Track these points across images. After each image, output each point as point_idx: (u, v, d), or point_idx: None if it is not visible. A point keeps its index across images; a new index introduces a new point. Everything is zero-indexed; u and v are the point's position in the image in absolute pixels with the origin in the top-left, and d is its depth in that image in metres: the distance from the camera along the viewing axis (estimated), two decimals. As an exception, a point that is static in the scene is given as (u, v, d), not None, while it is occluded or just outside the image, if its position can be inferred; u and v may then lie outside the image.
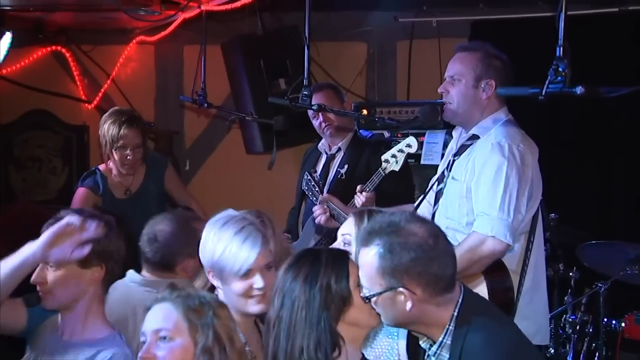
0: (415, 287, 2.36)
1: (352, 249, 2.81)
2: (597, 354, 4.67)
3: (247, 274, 2.75)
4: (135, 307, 3.30)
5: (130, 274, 3.51)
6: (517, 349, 2.42)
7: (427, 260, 2.37)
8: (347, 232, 2.92)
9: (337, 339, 2.44)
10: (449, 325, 2.40)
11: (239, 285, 2.76)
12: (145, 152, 4.90)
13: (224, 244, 2.76)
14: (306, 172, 4.66)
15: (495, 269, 3.31)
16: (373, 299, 2.42)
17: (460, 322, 2.39)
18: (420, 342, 2.54)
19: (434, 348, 2.45)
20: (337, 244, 2.89)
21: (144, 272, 3.55)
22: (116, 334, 2.87)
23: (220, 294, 2.81)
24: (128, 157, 4.78)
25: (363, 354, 2.61)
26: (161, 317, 2.43)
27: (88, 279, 2.81)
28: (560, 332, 4.86)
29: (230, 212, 2.91)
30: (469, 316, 2.39)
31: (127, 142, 4.77)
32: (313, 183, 4.49)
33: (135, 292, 3.41)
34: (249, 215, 2.91)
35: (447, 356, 2.42)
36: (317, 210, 4.21)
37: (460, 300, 2.42)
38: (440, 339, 2.42)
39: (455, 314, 2.41)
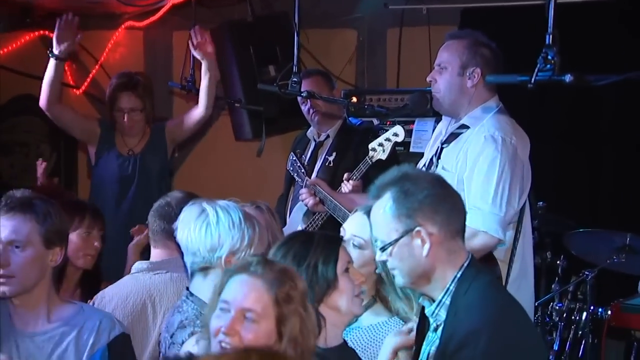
0: (431, 226, 2.43)
1: (365, 254, 2.82)
2: (583, 342, 4.69)
3: None
4: (150, 292, 3.35)
5: (135, 265, 3.52)
6: (510, 309, 2.46)
7: (439, 197, 2.46)
8: (359, 235, 2.89)
9: (318, 318, 2.44)
10: (450, 285, 2.44)
11: None
12: (147, 117, 5.00)
13: (251, 227, 2.84)
14: (292, 153, 4.65)
15: (484, 259, 3.31)
16: (389, 250, 2.45)
17: (461, 284, 2.44)
18: (420, 300, 2.58)
19: (432, 307, 2.49)
20: (347, 246, 2.81)
21: (152, 254, 3.53)
22: (81, 304, 2.86)
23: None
24: (125, 120, 4.92)
25: (344, 340, 2.63)
26: (252, 297, 2.23)
27: (49, 260, 2.74)
28: (547, 319, 4.89)
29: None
30: (470, 280, 2.44)
31: (121, 105, 4.93)
32: (299, 164, 4.48)
33: (145, 279, 3.42)
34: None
35: (444, 316, 2.45)
36: (304, 193, 4.21)
37: (465, 264, 2.47)
38: (440, 297, 2.46)
39: (459, 275, 2.45)
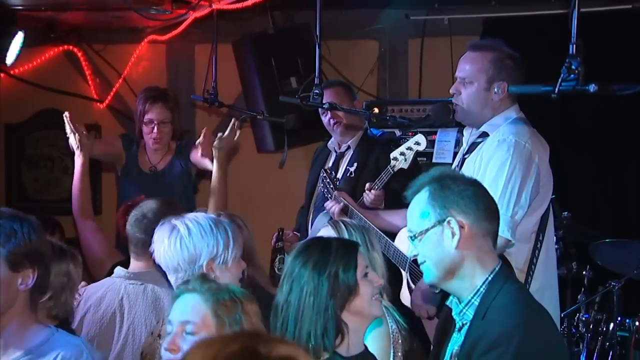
0: (464, 219, 2.46)
1: None
2: (610, 353, 4.64)
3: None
4: (122, 301, 3.39)
5: (117, 269, 3.55)
6: (540, 316, 2.47)
7: (475, 195, 2.50)
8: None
9: (342, 326, 2.48)
10: (481, 286, 2.47)
11: (236, 271, 2.97)
12: (175, 130, 5.01)
13: (224, 232, 2.93)
14: (322, 170, 4.65)
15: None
16: (419, 237, 2.50)
17: (492, 287, 2.46)
18: (447, 302, 2.61)
19: (461, 306, 2.51)
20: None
21: (131, 264, 3.55)
22: (54, 330, 2.63)
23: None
24: (154, 132, 4.92)
25: (366, 346, 2.64)
26: (190, 309, 2.39)
27: (17, 284, 2.51)
28: (574, 331, 4.84)
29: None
30: (502, 283, 2.46)
31: (152, 117, 4.93)
32: (328, 180, 4.48)
33: (121, 286, 3.45)
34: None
35: (471, 316, 2.47)
36: (329, 203, 4.21)
37: (497, 269, 2.49)
38: (469, 297, 2.48)
39: (490, 278, 2.47)
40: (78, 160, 4.57)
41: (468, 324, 2.48)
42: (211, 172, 4.52)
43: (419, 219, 2.52)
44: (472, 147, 3.59)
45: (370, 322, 2.61)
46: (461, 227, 2.46)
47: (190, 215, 2.97)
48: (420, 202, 2.53)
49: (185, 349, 2.32)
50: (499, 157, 3.37)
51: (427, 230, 2.49)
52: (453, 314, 2.55)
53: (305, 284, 2.48)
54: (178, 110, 5.11)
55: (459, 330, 2.53)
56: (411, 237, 2.55)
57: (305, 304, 2.46)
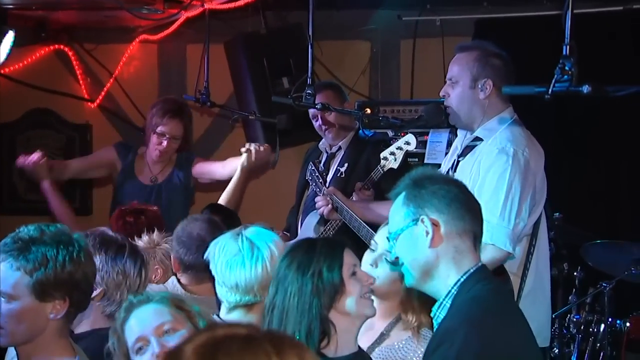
0: (438, 217, 2.42)
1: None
2: (601, 354, 4.64)
3: None
4: None
5: (172, 281, 3.50)
6: (500, 314, 2.41)
7: (452, 194, 2.46)
8: None
9: (328, 327, 2.45)
10: (452, 288, 2.42)
11: None
12: (182, 146, 4.99)
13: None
14: (310, 162, 4.65)
15: (494, 273, 3.27)
16: (395, 237, 2.47)
17: (463, 288, 2.41)
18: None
19: (434, 308, 2.47)
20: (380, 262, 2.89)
21: (184, 281, 3.49)
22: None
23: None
24: (163, 144, 4.88)
25: (359, 347, 2.61)
26: (154, 315, 2.39)
27: (47, 313, 2.40)
28: (565, 332, 4.84)
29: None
30: (473, 284, 2.41)
31: (166, 130, 4.88)
32: (317, 173, 4.48)
33: None
34: None
35: (442, 316, 2.44)
36: (320, 201, 4.19)
37: (472, 270, 2.43)
38: (441, 299, 2.44)
39: (462, 279, 2.41)
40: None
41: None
42: (210, 182, 4.58)
43: (396, 220, 2.50)
44: (466, 150, 3.58)
45: (361, 322, 2.56)
46: (434, 225, 2.41)
47: (260, 231, 2.89)
48: (398, 204, 2.51)
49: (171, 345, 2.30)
50: (497, 167, 3.36)
51: (402, 230, 2.46)
52: (432, 315, 2.51)
53: (290, 285, 2.46)
54: (191, 125, 5.09)
55: None
56: (388, 239, 2.53)
57: (290, 304, 2.45)
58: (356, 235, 4.00)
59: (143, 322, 2.40)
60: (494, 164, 3.37)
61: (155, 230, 3.71)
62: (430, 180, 2.50)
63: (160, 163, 5.00)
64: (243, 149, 4.68)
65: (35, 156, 4.74)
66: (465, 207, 2.46)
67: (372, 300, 2.62)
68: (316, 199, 4.28)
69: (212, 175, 5.02)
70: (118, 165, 5.06)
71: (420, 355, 2.83)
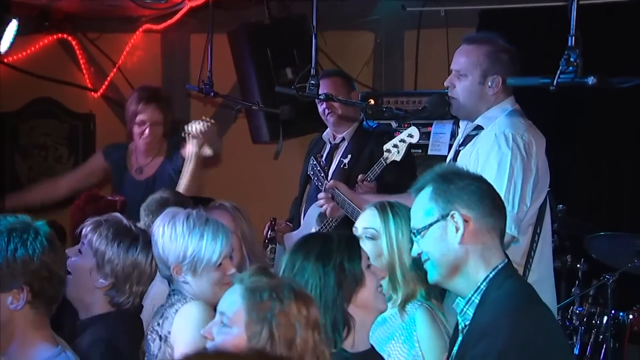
0: (468, 213, 2.43)
1: (378, 243, 2.87)
2: (604, 346, 4.64)
3: (221, 263, 2.91)
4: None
5: None
6: (537, 307, 2.42)
7: (480, 190, 2.47)
8: (371, 227, 2.94)
9: (349, 319, 2.43)
10: (482, 284, 2.42)
11: (215, 275, 2.90)
12: (166, 131, 4.94)
13: (196, 238, 2.87)
14: (312, 157, 4.65)
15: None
16: (422, 233, 2.46)
17: (492, 284, 2.41)
18: (453, 305, 2.56)
19: (462, 304, 2.46)
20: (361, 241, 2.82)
21: None
22: (58, 351, 2.45)
23: (188, 288, 2.90)
24: (145, 133, 4.85)
25: (372, 345, 2.60)
26: (228, 301, 2.28)
27: (7, 303, 2.37)
28: (568, 324, 4.85)
29: (176, 209, 3.03)
30: (502, 280, 2.42)
31: (144, 118, 4.86)
32: (319, 168, 4.47)
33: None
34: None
35: (472, 314, 2.44)
36: (322, 199, 4.19)
37: (500, 266, 2.44)
38: (469, 295, 2.44)
39: (491, 275, 2.42)
40: None
41: (469, 324, 2.44)
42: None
43: (422, 216, 2.48)
44: (467, 139, 3.58)
45: (375, 316, 2.56)
46: (465, 221, 2.42)
47: (183, 214, 2.95)
48: (423, 199, 2.49)
49: (218, 340, 2.23)
50: (497, 152, 3.35)
51: (430, 225, 2.45)
52: (457, 315, 2.51)
53: (310, 277, 2.42)
54: (170, 110, 5.06)
55: (462, 331, 2.50)
56: (414, 234, 2.51)
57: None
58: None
59: (223, 299, 2.29)
60: (493, 149, 3.37)
61: None
62: (459, 175, 2.50)
63: (148, 154, 4.95)
64: (184, 133, 4.60)
65: None
66: (494, 204, 2.49)
67: (384, 294, 2.61)
68: (318, 196, 4.28)
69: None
70: (108, 168, 5.04)
71: (405, 332, 2.85)
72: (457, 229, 2.42)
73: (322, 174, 4.43)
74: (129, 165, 5.01)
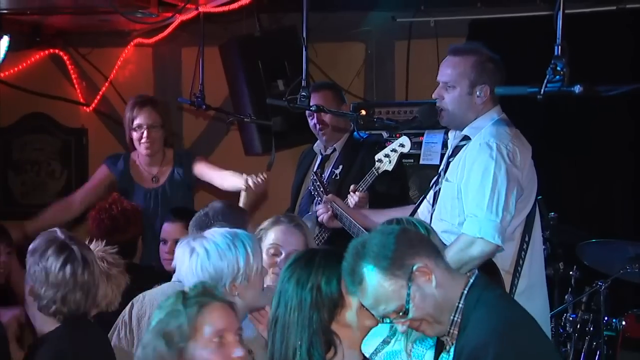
0: (425, 260, 2.42)
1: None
2: (598, 353, 4.66)
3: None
4: None
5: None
6: (519, 321, 2.43)
7: (407, 236, 2.47)
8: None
9: (332, 338, 2.45)
10: (459, 302, 2.42)
11: (258, 281, 2.91)
12: (167, 135, 4.96)
13: (242, 248, 2.85)
14: (313, 172, 4.66)
15: (486, 270, 3.28)
16: (411, 306, 2.39)
17: (469, 300, 2.42)
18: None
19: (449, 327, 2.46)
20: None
21: None
22: None
23: (241, 303, 2.80)
24: (144, 136, 4.85)
25: (365, 356, 2.61)
26: (233, 318, 2.43)
27: None
28: (561, 331, 4.86)
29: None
30: (478, 294, 2.42)
31: (141, 121, 4.86)
32: (318, 183, 4.49)
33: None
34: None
35: (456, 332, 2.44)
36: (320, 209, 4.20)
37: (471, 281, 2.45)
38: (452, 317, 2.43)
39: (466, 292, 2.43)
40: None
41: (455, 342, 2.44)
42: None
43: (391, 295, 2.39)
44: (456, 150, 3.60)
45: (365, 333, 2.56)
46: (426, 265, 2.41)
47: (209, 233, 2.94)
48: (377, 282, 2.40)
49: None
50: (481, 161, 3.37)
51: (408, 295, 2.39)
52: (447, 337, 2.50)
53: (290, 299, 2.48)
54: (168, 116, 5.07)
55: (448, 350, 2.50)
56: (400, 315, 2.41)
57: (290, 319, 2.46)
58: (350, 237, 4.01)
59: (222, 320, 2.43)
60: (477, 158, 3.39)
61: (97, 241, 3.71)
62: (378, 241, 2.43)
63: (155, 162, 4.95)
64: (242, 184, 4.59)
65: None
66: (423, 239, 2.52)
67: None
68: (316, 208, 4.29)
69: (210, 181, 5.00)
70: (113, 178, 5.03)
71: None
72: (427, 277, 2.41)
73: (322, 189, 4.45)
74: (134, 176, 4.99)
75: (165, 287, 3.48)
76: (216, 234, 2.92)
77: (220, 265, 2.82)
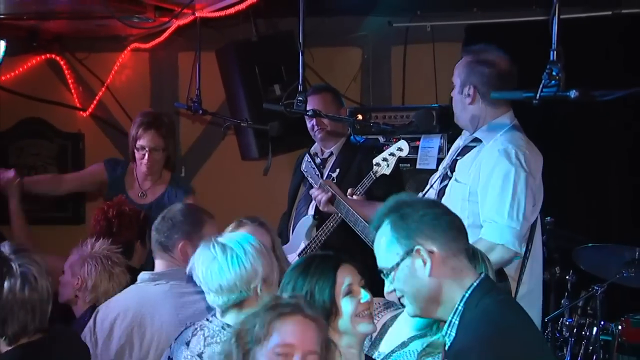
0: (431, 244, 2.38)
1: None
2: (594, 357, 4.66)
3: None
4: (153, 305, 3.40)
5: (141, 275, 3.57)
6: (514, 328, 2.38)
7: (437, 216, 2.43)
8: None
9: (329, 343, 2.43)
10: (459, 305, 2.39)
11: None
12: (167, 158, 4.96)
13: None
14: (306, 154, 4.65)
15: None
16: (392, 275, 2.41)
17: (469, 304, 2.39)
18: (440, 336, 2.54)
19: (444, 328, 2.44)
20: None
21: (155, 266, 3.58)
22: None
23: None
24: (145, 158, 4.86)
25: (367, 356, 2.64)
26: (315, 339, 2.32)
27: None
28: (558, 335, 4.85)
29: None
30: (478, 299, 2.39)
31: (144, 143, 4.88)
32: (313, 165, 4.46)
33: (148, 290, 3.46)
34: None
35: (454, 335, 2.42)
36: (315, 191, 4.19)
37: (475, 284, 2.41)
38: (450, 318, 2.41)
39: (467, 295, 2.39)
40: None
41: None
42: None
43: (386, 254, 2.44)
44: (465, 150, 3.63)
45: (361, 339, 2.58)
46: (430, 252, 2.38)
47: (234, 235, 2.97)
48: (384, 237, 2.45)
49: None
50: (501, 168, 3.39)
51: (397, 264, 2.40)
52: (444, 336, 2.47)
53: None
54: (173, 138, 5.08)
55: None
56: (383, 274, 2.46)
57: None
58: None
59: (300, 335, 2.32)
60: (497, 165, 3.40)
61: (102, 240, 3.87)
62: (412, 206, 2.45)
63: (150, 179, 4.96)
64: None
65: (10, 173, 4.79)
66: (454, 227, 2.45)
67: (371, 317, 2.61)
68: (311, 191, 4.27)
69: None
70: (105, 182, 5.03)
71: None
72: (424, 263, 2.38)
73: (317, 172, 4.43)
74: (127, 184, 4.99)
75: (130, 290, 3.54)
76: (243, 236, 2.94)
77: (257, 263, 2.84)
